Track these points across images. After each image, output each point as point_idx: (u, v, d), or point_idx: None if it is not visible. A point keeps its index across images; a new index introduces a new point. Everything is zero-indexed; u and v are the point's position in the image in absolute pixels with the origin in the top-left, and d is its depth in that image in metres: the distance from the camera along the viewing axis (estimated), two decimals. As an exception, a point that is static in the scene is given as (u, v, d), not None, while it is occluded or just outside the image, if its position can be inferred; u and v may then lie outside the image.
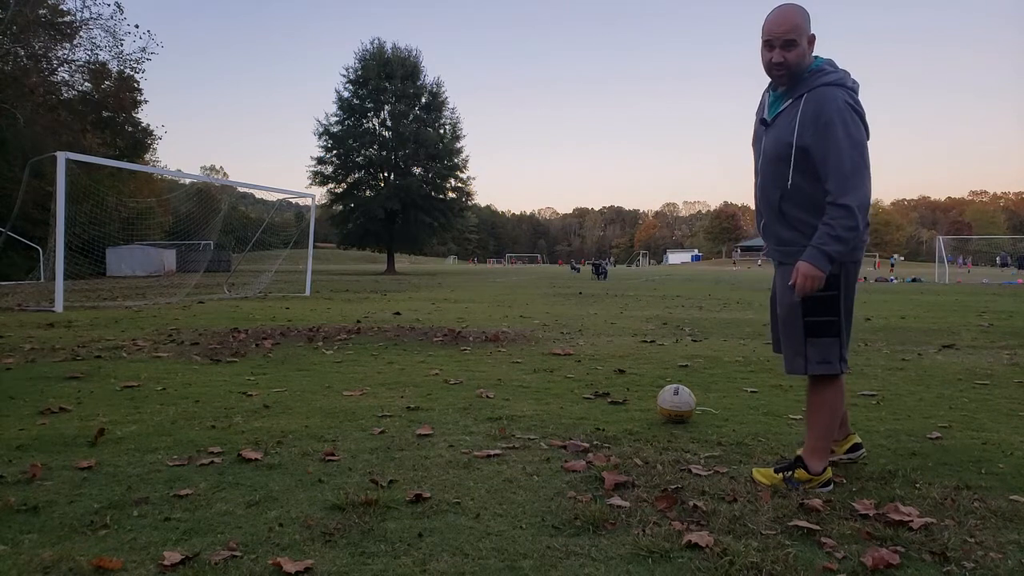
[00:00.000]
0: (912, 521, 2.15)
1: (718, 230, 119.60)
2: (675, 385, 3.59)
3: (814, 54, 2.48)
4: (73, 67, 30.21)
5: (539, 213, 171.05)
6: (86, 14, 28.60)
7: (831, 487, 2.50)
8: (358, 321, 9.11)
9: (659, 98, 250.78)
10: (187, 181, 25.72)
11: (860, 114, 2.39)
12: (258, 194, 70.13)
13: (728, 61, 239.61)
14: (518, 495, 2.43)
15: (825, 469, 2.50)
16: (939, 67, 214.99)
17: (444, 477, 2.62)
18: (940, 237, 36.86)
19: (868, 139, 2.39)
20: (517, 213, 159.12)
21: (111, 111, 32.63)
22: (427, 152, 40.63)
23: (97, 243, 21.15)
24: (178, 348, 6.34)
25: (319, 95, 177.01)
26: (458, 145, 42.58)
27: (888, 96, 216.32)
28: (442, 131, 42.47)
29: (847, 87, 2.40)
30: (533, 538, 2.06)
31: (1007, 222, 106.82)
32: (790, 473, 2.51)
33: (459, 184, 43.35)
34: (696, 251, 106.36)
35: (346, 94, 41.67)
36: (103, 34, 28.99)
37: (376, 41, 41.99)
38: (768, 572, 1.82)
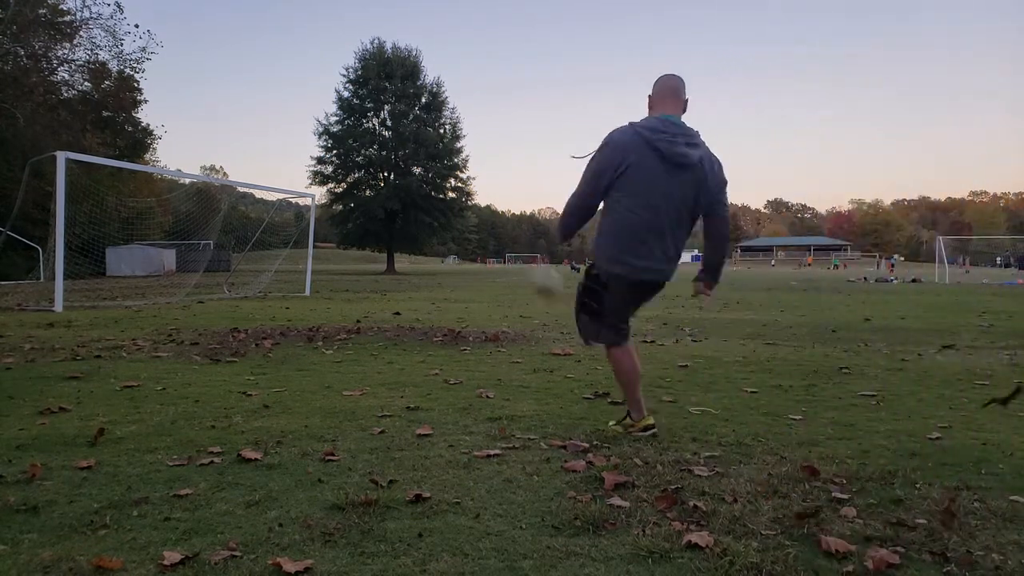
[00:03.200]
0: (912, 521, 2.15)
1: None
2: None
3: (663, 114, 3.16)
4: (73, 67, 30.24)
5: (539, 213, 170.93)
6: (86, 14, 28.62)
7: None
8: (358, 321, 9.11)
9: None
10: (187, 181, 25.67)
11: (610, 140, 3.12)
12: (258, 194, 70.17)
13: (728, 61, 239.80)
14: (518, 495, 2.43)
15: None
16: (939, 67, 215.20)
17: (444, 477, 2.62)
18: (940, 237, 36.93)
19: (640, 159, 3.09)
20: (517, 213, 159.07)
21: (111, 111, 32.63)
22: (427, 152, 40.64)
23: (97, 243, 21.12)
24: (178, 348, 6.33)
25: (319, 95, 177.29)
26: (458, 145, 42.61)
27: (889, 97, 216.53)
28: (442, 131, 42.49)
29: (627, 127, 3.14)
30: (533, 538, 2.05)
31: (1007, 222, 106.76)
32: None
33: (459, 184, 43.40)
34: (696, 251, 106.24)
35: (346, 94, 41.70)
36: (103, 34, 29.02)
37: (376, 41, 42.08)
38: (768, 572, 1.82)
